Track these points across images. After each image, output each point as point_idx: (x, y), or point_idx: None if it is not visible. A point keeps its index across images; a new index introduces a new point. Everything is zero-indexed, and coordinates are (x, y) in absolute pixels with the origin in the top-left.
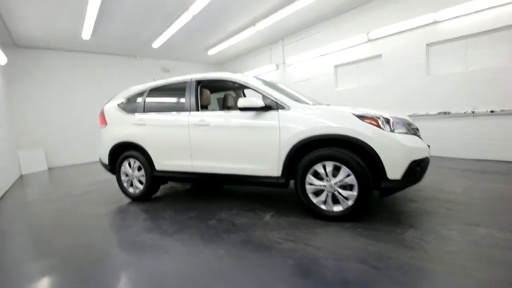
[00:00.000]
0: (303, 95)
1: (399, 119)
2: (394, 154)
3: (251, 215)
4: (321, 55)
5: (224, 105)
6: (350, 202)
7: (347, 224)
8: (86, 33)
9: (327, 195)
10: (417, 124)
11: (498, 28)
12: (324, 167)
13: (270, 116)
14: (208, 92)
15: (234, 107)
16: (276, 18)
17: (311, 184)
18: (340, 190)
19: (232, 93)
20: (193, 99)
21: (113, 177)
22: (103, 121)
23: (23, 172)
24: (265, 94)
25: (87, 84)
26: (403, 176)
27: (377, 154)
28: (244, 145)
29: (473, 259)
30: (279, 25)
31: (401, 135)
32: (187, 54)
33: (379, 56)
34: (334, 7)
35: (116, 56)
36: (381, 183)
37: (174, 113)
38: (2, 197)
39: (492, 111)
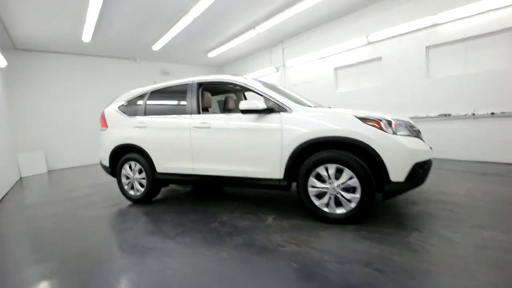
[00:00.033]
0: (305, 98)
1: (402, 121)
2: (397, 156)
3: (253, 217)
4: (321, 58)
5: (225, 108)
6: (353, 205)
7: (350, 227)
8: (87, 36)
9: (330, 197)
10: (418, 126)
11: (498, 31)
12: (327, 170)
13: (272, 119)
14: (209, 94)
15: (235, 110)
16: (276, 21)
17: (313, 186)
18: (343, 193)
19: (233, 95)
20: (194, 102)
21: (113, 180)
22: (104, 124)
23: (23, 175)
24: (267, 97)
25: (87, 87)
26: (406, 178)
27: (380, 157)
28: (246, 148)
29: (478, 262)
30: (279, 28)
31: (403, 137)
32: (187, 57)
33: (379, 58)
34: (333, 10)
35: (116, 59)
36: (384, 185)
37: (175, 115)
38: (1, 199)
39: (492, 113)
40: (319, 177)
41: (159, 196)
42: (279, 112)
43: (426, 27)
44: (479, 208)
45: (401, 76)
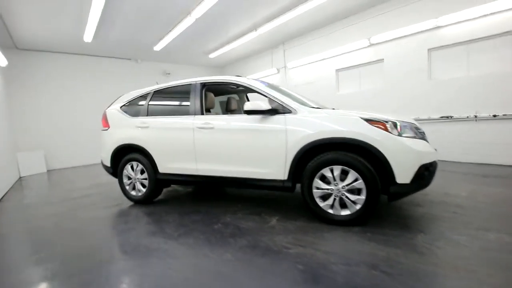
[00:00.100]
0: (309, 99)
1: (407, 123)
2: (403, 158)
3: (256, 219)
4: (322, 59)
5: (228, 109)
6: (358, 206)
7: (355, 229)
8: (88, 36)
9: (335, 199)
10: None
11: (500, 34)
12: (332, 171)
13: (277, 120)
14: (212, 95)
15: (238, 111)
16: (277, 23)
17: (318, 188)
18: (348, 194)
19: (235, 96)
20: (197, 102)
21: (113, 180)
22: (106, 124)
23: (22, 174)
24: (271, 98)
25: (87, 87)
26: (412, 180)
27: (386, 158)
28: (251, 149)
29: (484, 264)
30: (280, 30)
31: (409, 139)
32: (188, 58)
33: (381, 60)
34: (335, 12)
35: (116, 59)
36: (389, 187)
37: (178, 116)
38: (1, 199)
39: (494, 116)
40: (324, 179)
41: (160, 196)
42: (283, 113)
43: (428, 30)
44: (483, 210)
45: (403, 78)
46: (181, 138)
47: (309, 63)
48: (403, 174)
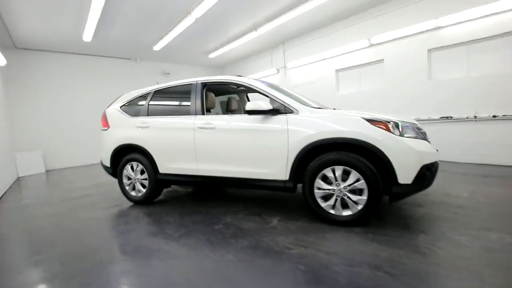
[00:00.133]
0: (309, 99)
1: (408, 123)
2: (405, 158)
3: (257, 219)
4: (322, 60)
5: (228, 109)
6: (359, 207)
7: (357, 229)
8: (87, 35)
9: (336, 199)
10: None
11: (500, 34)
12: (334, 171)
13: (279, 120)
14: (213, 95)
15: (238, 111)
16: (277, 23)
17: (319, 188)
18: (350, 195)
19: (235, 96)
20: (198, 102)
21: (113, 180)
22: (105, 123)
23: (20, 175)
24: (273, 98)
25: (87, 87)
26: (414, 180)
27: (388, 158)
28: (252, 149)
29: (486, 264)
30: (280, 30)
31: (411, 139)
32: (187, 57)
33: (381, 61)
34: (335, 12)
35: (116, 58)
36: (391, 187)
37: (179, 116)
38: None
39: (494, 116)
40: (325, 179)
41: (160, 197)
42: (285, 113)
43: (428, 30)
44: (484, 211)
45: (403, 79)
46: (182, 138)
47: (309, 63)
48: (405, 175)
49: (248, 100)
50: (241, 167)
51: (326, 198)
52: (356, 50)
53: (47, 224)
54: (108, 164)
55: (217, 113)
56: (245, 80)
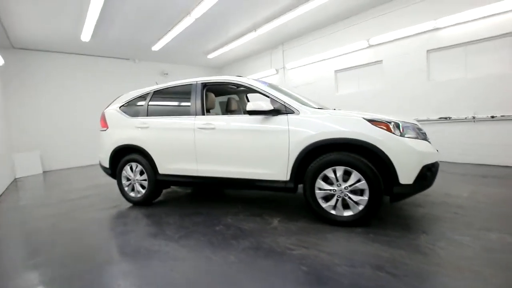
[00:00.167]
0: (310, 99)
1: (409, 123)
2: (407, 158)
3: (258, 220)
4: (321, 60)
5: (227, 109)
6: (360, 207)
7: (358, 230)
8: (86, 35)
9: (337, 200)
10: None
11: (498, 35)
12: (335, 172)
13: (279, 120)
14: (213, 95)
15: (238, 111)
16: (277, 23)
17: (320, 189)
18: (351, 195)
19: (235, 97)
20: (199, 103)
21: (111, 181)
22: (104, 124)
23: (18, 176)
24: (274, 98)
25: (85, 87)
26: (415, 180)
27: (389, 159)
28: (252, 149)
29: (487, 264)
30: (279, 30)
31: (411, 139)
32: (186, 58)
33: (380, 61)
34: (334, 13)
35: (114, 59)
36: (393, 188)
37: (179, 116)
38: None
39: (492, 117)
40: (326, 179)
41: (160, 198)
42: (286, 113)
43: (427, 31)
44: (484, 211)
45: (402, 79)
46: (182, 139)
47: (308, 64)
48: (406, 175)
49: (248, 101)
50: (242, 167)
51: (327, 198)
52: (355, 51)
53: (45, 225)
54: (107, 165)
55: (216, 114)
56: (246, 80)
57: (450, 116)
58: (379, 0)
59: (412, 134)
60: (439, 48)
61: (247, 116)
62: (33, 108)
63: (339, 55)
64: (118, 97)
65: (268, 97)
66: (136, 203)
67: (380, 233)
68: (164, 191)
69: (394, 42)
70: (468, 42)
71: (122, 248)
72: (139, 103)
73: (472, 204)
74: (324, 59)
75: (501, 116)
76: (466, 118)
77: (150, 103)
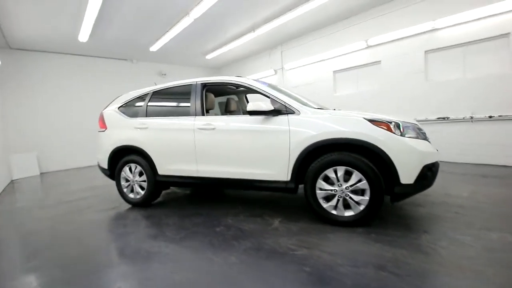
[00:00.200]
0: (310, 100)
1: (409, 123)
2: (407, 158)
3: (258, 220)
4: (320, 61)
5: (227, 109)
6: (361, 207)
7: (359, 230)
8: (83, 36)
9: (338, 200)
10: None
11: (496, 36)
12: (335, 172)
13: (280, 121)
14: (212, 96)
15: (237, 111)
16: (276, 24)
17: (321, 189)
18: (352, 195)
19: (234, 97)
20: (198, 103)
21: (110, 183)
22: (103, 125)
23: (14, 177)
24: (274, 99)
25: (82, 88)
26: (416, 180)
27: (390, 158)
28: (253, 150)
29: (489, 263)
30: (278, 31)
31: (412, 139)
32: (184, 58)
33: (378, 62)
34: (333, 14)
35: (112, 59)
36: (394, 188)
37: (178, 117)
38: None
39: (490, 117)
40: (327, 180)
41: (159, 199)
42: (286, 114)
43: (425, 32)
44: (484, 210)
45: (400, 80)
46: (182, 139)
47: (306, 65)
48: (407, 175)
49: (247, 101)
50: (242, 168)
51: (328, 198)
52: (354, 51)
53: (43, 227)
54: (105, 166)
55: (216, 114)
56: (246, 80)
57: (448, 116)
58: (379, 0)
59: (413, 134)
60: (438, 48)
61: (247, 117)
62: (30, 109)
63: (338, 56)
64: (117, 97)
65: (269, 97)
66: (135, 205)
67: (381, 233)
68: (163, 192)
69: (392, 43)
70: (466, 42)
71: (122, 250)
72: (138, 103)
73: (473, 204)
74: (323, 60)
75: (499, 116)
76: (464, 118)
77: (149, 103)
